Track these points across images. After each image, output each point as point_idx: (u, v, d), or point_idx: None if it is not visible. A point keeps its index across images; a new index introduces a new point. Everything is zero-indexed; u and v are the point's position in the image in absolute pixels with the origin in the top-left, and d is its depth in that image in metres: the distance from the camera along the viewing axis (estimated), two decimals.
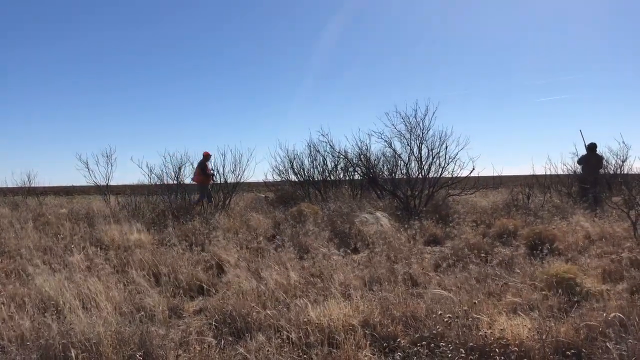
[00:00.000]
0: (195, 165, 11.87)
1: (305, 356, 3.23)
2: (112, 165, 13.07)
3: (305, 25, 66.26)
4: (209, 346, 3.37)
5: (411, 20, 63.20)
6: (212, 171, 11.90)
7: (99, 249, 6.87)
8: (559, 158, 22.14)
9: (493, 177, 12.42)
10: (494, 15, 60.67)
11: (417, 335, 3.52)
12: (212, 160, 12.04)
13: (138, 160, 11.56)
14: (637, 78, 54.38)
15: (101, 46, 60.68)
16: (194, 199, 11.55)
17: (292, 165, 13.86)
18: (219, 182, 11.89)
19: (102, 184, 13.11)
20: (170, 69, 65.51)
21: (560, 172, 12.33)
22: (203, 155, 11.95)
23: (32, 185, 17.12)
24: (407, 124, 10.57)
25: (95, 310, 3.94)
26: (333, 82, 69.58)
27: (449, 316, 3.52)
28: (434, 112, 10.46)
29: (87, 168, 12.90)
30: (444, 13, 59.50)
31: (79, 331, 3.39)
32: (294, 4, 63.53)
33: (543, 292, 4.21)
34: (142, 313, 4.03)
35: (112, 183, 13.25)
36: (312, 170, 13.69)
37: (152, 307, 4.19)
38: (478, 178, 10.84)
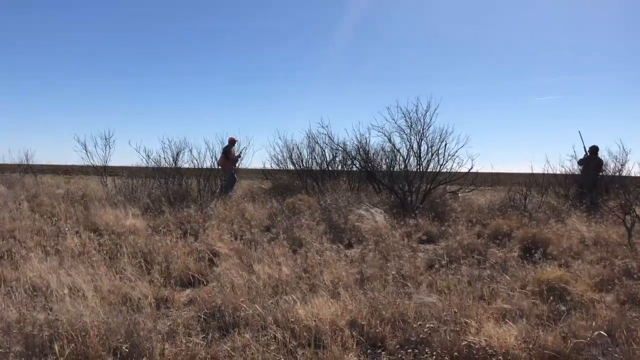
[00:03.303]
0: (220, 150, 12.39)
1: (290, 356, 3.22)
2: (110, 148, 13.01)
3: (321, 14, 65.63)
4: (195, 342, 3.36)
5: (410, 23, 62.68)
6: (235, 156, 12.56)
7: (92, 233, 6.84)
8: (558, 159, 21.47)
9: (491, 174, 12.39)
10: (494, 15, 60.25)
11: (404, 338, 3.52)
12: (237, 146, 12.73)
13: (136, 144, 11.52)
14: (637, 80, 54.19)
15: (107, 29, 60.31)
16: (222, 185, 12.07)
17: (290, 156, 13.85)
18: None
19: (99, 164, 13.05)
20: (172, 53, 65.20)
21: (558, 172, 12.25)
22: (228, 141, 12.54)
23: (30, 163, 16.96)
24: (408, 120, 10.50)
25: (83, 300, 3.92)
26: (341, 76, 69.13)
27: (434, 324, 3.51)
28: (435, 109, 10.37)
29: (85, 150, 12.83)
30: (442, 14, 58.84)
31: (65, 321, 3.37)
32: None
33: (533, 299, 4.20)
34: (131, 303, 4.02)
35: (110, 164, 13.21)
36: (310, 160, 13.66)
37: (141, 298, 4.18)
38: (477, 174, 10.80)
